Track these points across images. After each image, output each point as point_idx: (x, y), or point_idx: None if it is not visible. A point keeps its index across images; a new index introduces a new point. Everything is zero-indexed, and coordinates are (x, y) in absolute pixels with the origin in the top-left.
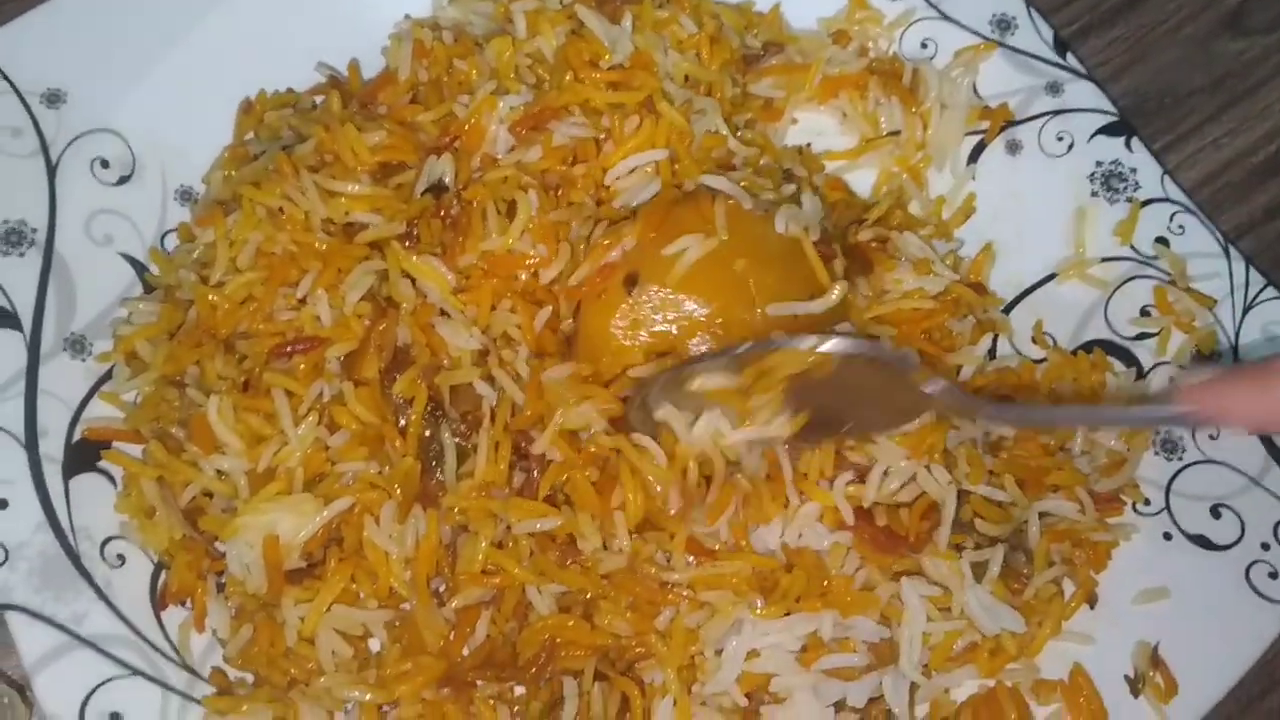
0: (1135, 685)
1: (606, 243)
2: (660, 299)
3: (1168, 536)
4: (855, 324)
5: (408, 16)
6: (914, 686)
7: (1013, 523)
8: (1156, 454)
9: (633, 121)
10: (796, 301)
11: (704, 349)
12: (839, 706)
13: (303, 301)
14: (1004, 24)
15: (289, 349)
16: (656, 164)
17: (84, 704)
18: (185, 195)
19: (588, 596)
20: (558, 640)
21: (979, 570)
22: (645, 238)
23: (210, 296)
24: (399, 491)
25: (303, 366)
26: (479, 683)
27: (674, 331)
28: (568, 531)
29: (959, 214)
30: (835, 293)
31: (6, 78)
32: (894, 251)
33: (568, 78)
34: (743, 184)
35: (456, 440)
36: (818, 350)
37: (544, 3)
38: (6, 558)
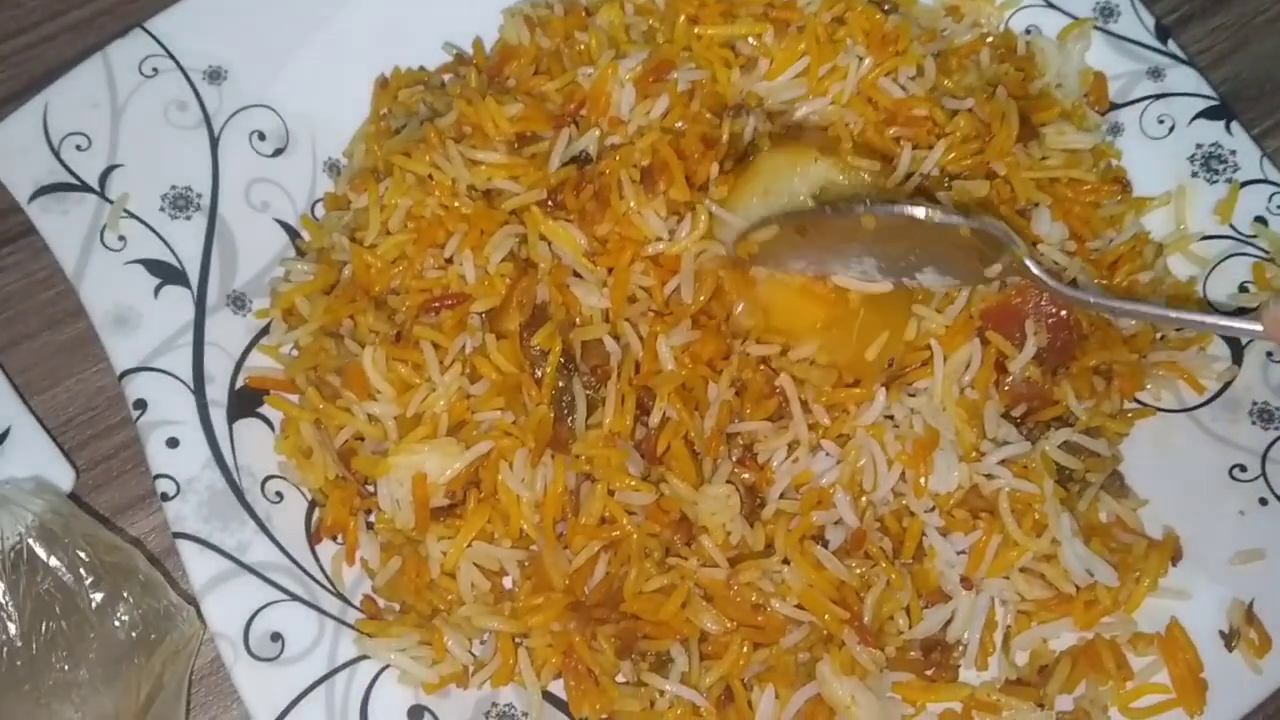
0: (1230, 640)
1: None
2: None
3: (1263, 501)
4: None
5: None
6: (1009, 632)
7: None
8: (1254, 424)
9: (770, 34)
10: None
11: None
12: None
13: (449, 261)
14: (1107, 11)
15: (436, 305)
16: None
17: (248, 624)
18: (331, 168)
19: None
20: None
21: (1078, 519)
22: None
23: (365, 256)
24: (532, 439)
25: (449, 321)
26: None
27: None
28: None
29: None
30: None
31: (173, 56)
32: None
33: (681, 20)
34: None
35: (587, 392)
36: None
37: None
38: (179, 491)
